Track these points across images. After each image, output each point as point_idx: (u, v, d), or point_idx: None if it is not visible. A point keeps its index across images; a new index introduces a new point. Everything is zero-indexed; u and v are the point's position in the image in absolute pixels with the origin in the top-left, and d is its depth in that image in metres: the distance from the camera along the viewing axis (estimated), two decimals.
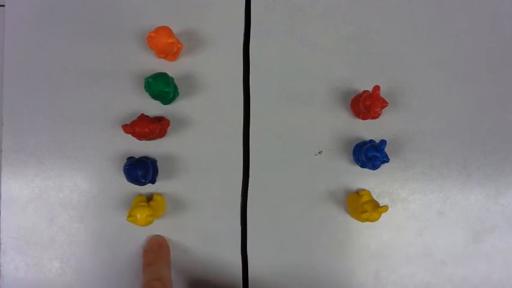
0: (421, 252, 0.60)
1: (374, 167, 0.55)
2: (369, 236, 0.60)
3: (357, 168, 0.60)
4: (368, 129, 0.60)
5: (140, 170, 0.54)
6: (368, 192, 0.59)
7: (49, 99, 0.60)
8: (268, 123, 0.60)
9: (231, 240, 0.60)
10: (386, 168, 0.59)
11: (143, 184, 0.55)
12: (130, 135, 0.56)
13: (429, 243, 0.60)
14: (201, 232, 0.60)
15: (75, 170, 0.60)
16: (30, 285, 0.59)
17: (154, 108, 0.60)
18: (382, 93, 0.58)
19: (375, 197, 0.59)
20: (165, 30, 0.55)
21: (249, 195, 0.60)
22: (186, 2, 0.61)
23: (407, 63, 0.61)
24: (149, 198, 0.59)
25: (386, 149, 0.56)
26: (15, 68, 0.61)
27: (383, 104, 0.54)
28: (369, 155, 0.55)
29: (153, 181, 0.57)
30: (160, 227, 0.59)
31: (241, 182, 0.60)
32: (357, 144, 0.59)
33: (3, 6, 0.61)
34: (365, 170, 0.59)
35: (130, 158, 0.57)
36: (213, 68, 0.61)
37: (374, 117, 0.56)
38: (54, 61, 0.61)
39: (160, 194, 0.59)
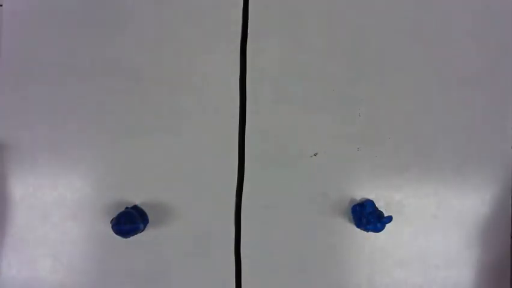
0: (415, 256, 0.60)
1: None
2: (363, 239, 0.60)
3: (352, 171, 0.60)
4: (363, 133, 0.60)
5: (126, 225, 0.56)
6: None
7: (44, 98, 0.60)
8: (264, 124, 0.60)
9: (225, 240, 0.60)
10: (381, 172, 0.59)
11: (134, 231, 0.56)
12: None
13: (423, 247, 0.60)
14: (195, 233, 0.60)
15: (69, 168, 0.60)
16: (23, 282, 0.59)
17: (149, 106, 0.60)
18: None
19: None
20: None
21: (243, 196, 0.60)
22: (184, 2, 0.61)
23: (403, 67, 0.61)
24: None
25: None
26: (11, 66, 0.61)
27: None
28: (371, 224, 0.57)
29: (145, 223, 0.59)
30: (154, 228, 0.59)
31: (236, 182, 0.60)
32: (354, 206, 0.59)
33: (0, 5, 0.61)
34: (360, 173, 0.59)
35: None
36: (209, 69, 0.61)
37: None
38: (50, 60, 0.61)
39: None
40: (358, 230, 0.59)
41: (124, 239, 0.56)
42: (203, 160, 0.60)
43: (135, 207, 0.59)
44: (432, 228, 0.60)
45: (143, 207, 0.60)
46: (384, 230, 0.57)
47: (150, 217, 0.59)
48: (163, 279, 0.59)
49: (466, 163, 0.60)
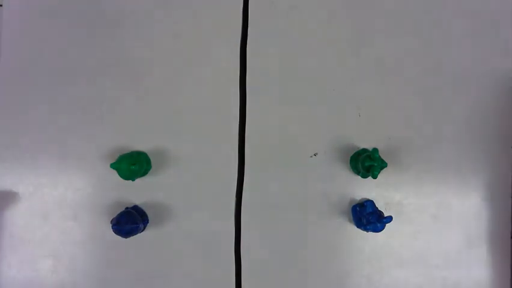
0: (415, 256, 0.60)
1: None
2: (363, 239, 0.60)
3: (352, 171, 0.60)
4: (364, 133, 0.60)
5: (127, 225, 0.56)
6: None
7: (44, 98, 0.60)
8: (264, 124, 0.60)
9: (225, 240, 0.60)
10: (381, 172, 0.59)
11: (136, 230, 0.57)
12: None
13: (423, 247, 0.60)
14: (195, 233, 0.60)
15: (69, 167, 0.60)
16: (23, 282, 0.59)
17: (149, 107, 0.60)
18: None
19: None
20: None
21: (244, 195, 0.60)
22: (184, 2, 0.61)
23: (403, 67, 0.61)
24: None
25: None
26: (11, 67, 0.61)
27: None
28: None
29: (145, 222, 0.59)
30: (154, 227, 0.59)
31: (236, 182, 0.60)
32: (354, 206, 0.59)
33: (0, 5, 0.62)
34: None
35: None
36: (209, 68, 0.61)
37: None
38: (50, 60, 0.61)
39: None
40: (358, 230, 0.59)
41: (124, 239, 0.57)
42: (203, 160, 0.60)
43: (135, 207, 0.59)
44: (432, 229, 0.60)
45: (143, 207, 0.60)
46: (384, 230, 0.57)
47: (150, 217, 0.59)
48: (163, 279, 0.59)
49: (466, 163, 0.60)
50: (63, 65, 0.61)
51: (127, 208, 0.58)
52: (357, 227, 0.58)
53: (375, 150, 0.55)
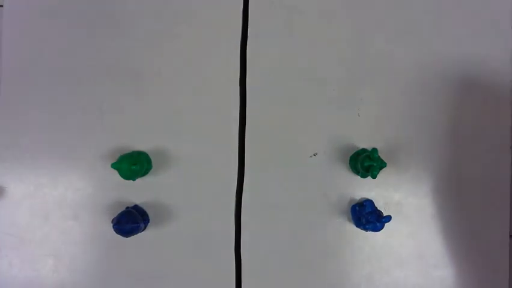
0: (414, 255, 0.60)
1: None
2: (363, 238, 0.60)
3: (351, 171, 0.60)
4: (363, 133, 0.60)
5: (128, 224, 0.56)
6: None
7: (44, 97, 0.60)
8: (264, 124, 0.61)
9: (225, 240, 0.60)
10: (380, 172, 0.59)
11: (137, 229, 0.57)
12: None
13: (422, 246, 0.60)
14: (195, 233, 0.60)
15: (70, 167, 0.60)
16: (24, 282, 0.60)
17: (149, 107, 0.60)
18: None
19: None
20: None
21: (244, 195, 0.60)
22: (184, 2, 0.61)
23: (403, 66, 0.61)
24: None
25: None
26: (12, 67, 0.61)
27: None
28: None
29: (146, 222, 0.59)
30: (154, 227, 0.59)
31: (236, 182, 0.60)
32: (353, 206, 0.59)
33: (1, 6, 0.62)
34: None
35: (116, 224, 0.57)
36: (209, 68, 0.61)
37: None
38: (50, 61, 0.61)
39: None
40: (358, 229, 0.59)
41: (125, 238, 0.57)
42: (203, 160, 0.60)
43: (136, 207, 0.59)
44: (431, 228, 0.60)
45: (144, 207, 0.60)
46: (383, 229, 0.57)
47: (151, 217, 0.59)
48: (163, 279, 0.60)
49: (465, 163, 0.60)
50: (63, 65, 0.61)
51: (127, 208, 0.59)
52: (357, 226, 0.58)
53: (374, 150, 0.55)
